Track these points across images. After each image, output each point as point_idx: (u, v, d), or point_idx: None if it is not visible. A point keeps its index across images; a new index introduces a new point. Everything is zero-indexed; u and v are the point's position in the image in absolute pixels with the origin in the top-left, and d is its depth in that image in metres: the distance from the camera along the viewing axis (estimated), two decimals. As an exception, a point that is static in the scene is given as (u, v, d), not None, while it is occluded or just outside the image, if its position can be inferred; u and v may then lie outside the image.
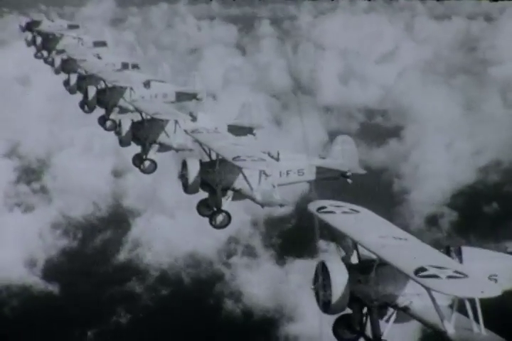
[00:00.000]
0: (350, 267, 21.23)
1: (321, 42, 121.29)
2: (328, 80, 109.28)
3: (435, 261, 19.60)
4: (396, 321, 21.30)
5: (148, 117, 39.87)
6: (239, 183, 32.62)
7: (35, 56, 62.79)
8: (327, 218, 22.66)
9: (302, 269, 68.58)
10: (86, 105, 47.90)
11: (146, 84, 47.35)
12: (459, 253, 21.92)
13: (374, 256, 21.04)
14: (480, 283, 19.06)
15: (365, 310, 21.59)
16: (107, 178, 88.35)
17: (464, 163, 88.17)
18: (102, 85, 47.18)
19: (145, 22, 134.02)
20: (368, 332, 21.73)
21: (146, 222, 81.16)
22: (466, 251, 22.08)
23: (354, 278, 20.93)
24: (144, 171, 41.27)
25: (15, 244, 76.94)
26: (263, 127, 42.40)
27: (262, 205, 31.37)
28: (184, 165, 33.03)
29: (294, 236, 71.27)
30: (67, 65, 54.17)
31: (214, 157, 33.32)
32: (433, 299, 19.38)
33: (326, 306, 20.98)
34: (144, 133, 40.40)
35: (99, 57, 54.54)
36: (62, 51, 58.06)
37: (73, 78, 50.48)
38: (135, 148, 41.73)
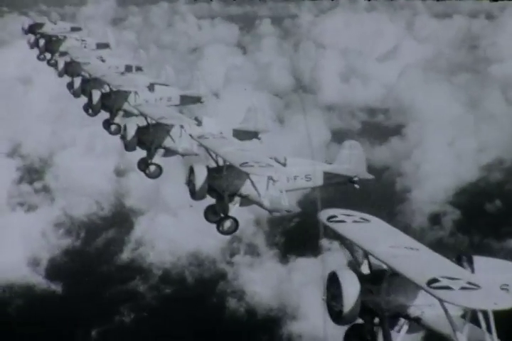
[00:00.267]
0: (361, 277, 21.07)
1: (321, 40, 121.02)
2: (329, 79, 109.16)
3: (447, 272, 19.46)
4: (408, 331, 21.20)
5: (154, 122, 39.88)
6: (246, 189, 32.53)
7: (38, 58, 62.69)
8: (338, 227, 22.43)
9: (305, 268, 68.75)
10: (90, 109, 47.93)
11: (150, 88, 47.38)
12: (471, 263, 21.86)
13: (385, 266, 21.00)
14: (493, 295, 18.93)
15: (376, 320, 21.45)
16: (109, 177, 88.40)
17: (467, 161, 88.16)
18: (107, 89, 47.22)
19: (145, 21, 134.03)
20: (380, 342, 21.78)
21: (149, 221, 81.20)
22: (478, 260, 22.02)
23: (366, 289, 20.82)
24: (150, 176, 41.28)
25: (18, 244, 77.02)
26: (268, 131, 42.41)
27: (270, 211, 31.40)
28: (191, 171, 32.91)
29: (297, 234, 71.29)
30: (71, 68, 54.10)
31: (221, 163, 33.22)
32: (445, 310, 19.29)
33: (337, 317, 20.88)
34: (150, 137, 40.31)
35: (102, 60, 54.48)
36: (65, 53, 57.94)
37: (77, 81, 50.35)
38: (139, 149, 41.86)
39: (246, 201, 32.91)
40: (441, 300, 18.85)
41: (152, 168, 40.89)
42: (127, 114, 46.13)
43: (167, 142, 40.22)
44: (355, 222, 22.83)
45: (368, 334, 21.93)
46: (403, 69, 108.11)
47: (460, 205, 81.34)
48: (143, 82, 47.91)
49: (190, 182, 32.98)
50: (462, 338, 19.42)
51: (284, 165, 33.59)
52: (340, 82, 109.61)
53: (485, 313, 19.14)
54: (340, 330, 22.41)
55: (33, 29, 63.38)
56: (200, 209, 34.69)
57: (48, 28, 62.78)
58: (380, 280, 21.10)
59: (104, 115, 47.89)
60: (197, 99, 48.47)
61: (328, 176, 34.42)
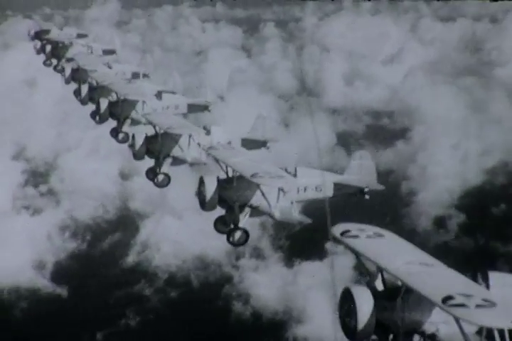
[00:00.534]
0: (375, 294, 21.01)
1: (326, 43, 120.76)
2: (333, 82, 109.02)
3: (463, 289, 19.45)
4: (422, 348, 21.33)
5: (162, 131, 39.93)
6: (257, 200, 32.56)
7: (45, 64, 62.65)
8: (352, 243, 22.33)
9: (310, 271, 68.78)
10: (98, 116, 47.92)
11: (158, 96, 47.36)
12: (486, 279, 21.75)
13: (400, 282, 20.98)
14: (509, 312, 18.86)
15: (391, 336, 21.40)
16: (114, 180, 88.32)
17: (472, 164, 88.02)
18: (114, 97, 47.23)
19: (150, 24, 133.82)
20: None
21: (154, 224, 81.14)
22: (493, 276, 21.89)
23: (380, 306, 20.77)
24: (158, 185, 41.34)
25: (23, 247, 77.00)
26: (277, 141, 42.42)
27: (281, 223, 31.42)
28: (201, 182, 32.92)
29: (303, 238, 71.15)
30: (78, 75, 53.95)
31: (231, 173, 33.21)
32: (461, 327, 19.23)
33: (351, 333, 20.84)
34: (158, 147, 40.47)
35: (109, 66, 54.46)
36: (71, 59, 57.91)
37: (84, 88, 50.45)
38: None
39: (256, 212, 32.93)
40: (457, 318, 18.83)
41: (160, 177, 40.99)
42: (134, 122, 46.11)
43: (175, 151, 40.38)
44: (368, 237, 22.72)
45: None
46: (408, 73, 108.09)
47: (465, 208, 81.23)
48: (150, 90, 47.87)
49: (200, 193, 33.00)
50: None
51: (295, 175, 33.47)
52: (345, 85, 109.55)
53: (501, 330, 19.13)
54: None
55: (39, 35, 63.37)
56: (205, 213, 34.48)
57: (54, 34, 62.75)
58: (395, 296, 21.03)
59: (111, 122, 47.94)
60: (204, 108, 48.47)
61: (338, 187, 34.47)
